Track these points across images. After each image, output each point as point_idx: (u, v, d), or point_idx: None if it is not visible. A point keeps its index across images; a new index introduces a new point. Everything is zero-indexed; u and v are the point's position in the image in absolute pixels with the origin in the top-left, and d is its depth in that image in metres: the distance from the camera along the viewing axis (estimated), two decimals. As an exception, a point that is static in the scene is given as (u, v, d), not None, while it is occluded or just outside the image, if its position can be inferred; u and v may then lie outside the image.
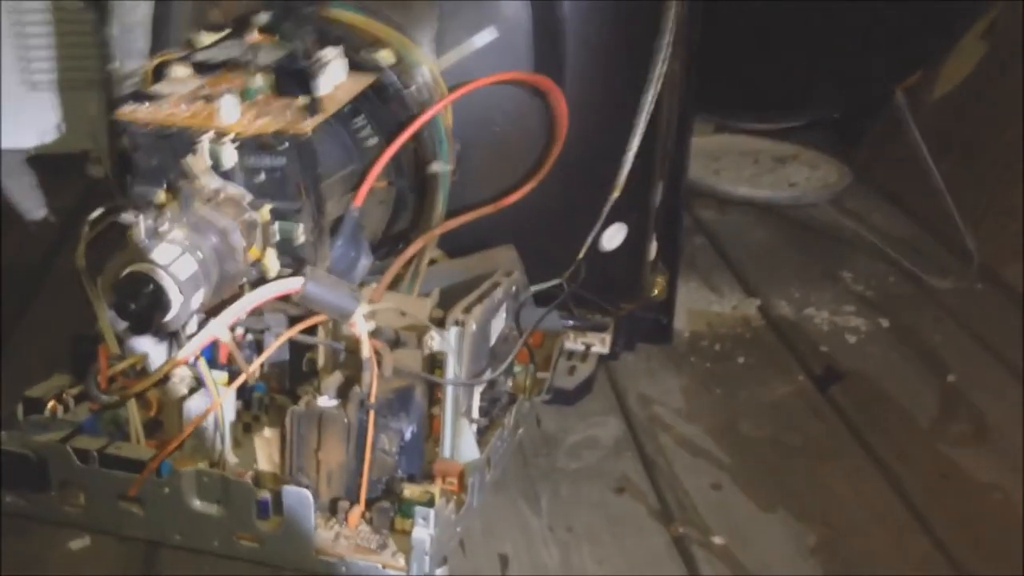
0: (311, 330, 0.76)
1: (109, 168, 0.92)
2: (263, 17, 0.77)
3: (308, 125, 0.68)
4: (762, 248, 1.36)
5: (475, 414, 0.80)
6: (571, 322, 0.94)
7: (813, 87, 1.43)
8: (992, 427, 0.96)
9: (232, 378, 0.75)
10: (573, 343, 0.99)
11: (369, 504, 0.73)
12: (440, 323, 0.76)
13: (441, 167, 0.79)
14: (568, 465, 0.89)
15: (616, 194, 0.90)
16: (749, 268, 1.29)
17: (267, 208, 0.71)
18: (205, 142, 0.69)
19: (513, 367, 0.89)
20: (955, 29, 1.42)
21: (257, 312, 0.77)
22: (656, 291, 1.04)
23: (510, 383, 0.89)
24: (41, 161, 1.33)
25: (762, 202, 1.46)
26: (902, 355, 1.09)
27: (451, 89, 0.81)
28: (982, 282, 1.24)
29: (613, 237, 0.93)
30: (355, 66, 0.78)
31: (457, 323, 0.76)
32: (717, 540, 0.80)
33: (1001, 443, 0.94)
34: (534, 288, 0.88)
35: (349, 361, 0.77)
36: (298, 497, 0.70)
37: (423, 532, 0.70)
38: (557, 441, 0.93)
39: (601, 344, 0.99)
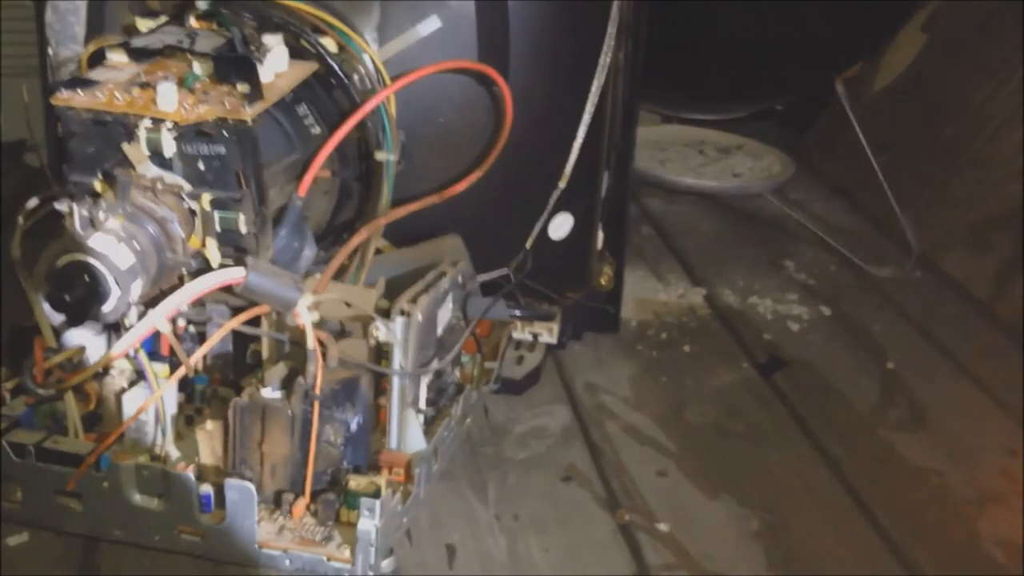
0: (255, 321, 0.75)
1: (46, 157, 0.90)
2: (202, 3, 0.75)
3: (249, 113, 0.68)
4: (708, 237, 1.37)
5: (422, 404, 0.80)
6: (518, 312, 0.94)
7: (755, 78, 1.45)
8: (930, 413, 0.98)
9: (174, 370, 0.74)
10: (521, 332, 0.99)
11: (314, 496, 0.73)
12: (386, 313, 0.76)
13: (386, 157, 0.79)
14: (515, 454, 0.89)
15: (563, 184, 0.90)
16: (695, 257, 1.30)
17: (207, 197, 0.70)
18: (142, 130, 0.68)
19: (460, 357, 0.88)
20: (894, 20, 1.45)
21: (199, 303, 0.76)
22: (603, 281, 1.04)
23: (457, 373, 0.89)
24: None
25: (707, 192, 1.48)
26: (843, 343, 1.11)
27: (394, 79, 0.80)
28: (921, 271, 1.26)
29: (560, 227, 0.94)
30: (296, 54, 0.77)
31: (403, 313, 0.75)
32: (662, 527, 0.81)
33: (938, 428, 0.96)
34: (481, 278, 0.88)
35: (294, 352, 0.76)
36: (241, 490, 0.70)
37: (368, 523, 0.70)
38: (505, 430, 0.93)
39: (549, 333, 0.99)
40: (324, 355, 0.71)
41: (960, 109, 1.34)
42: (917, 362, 1.07)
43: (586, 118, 0.89)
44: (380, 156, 0.79)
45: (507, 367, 0.97)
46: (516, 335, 0.99)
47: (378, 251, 0.84)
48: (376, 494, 0.71)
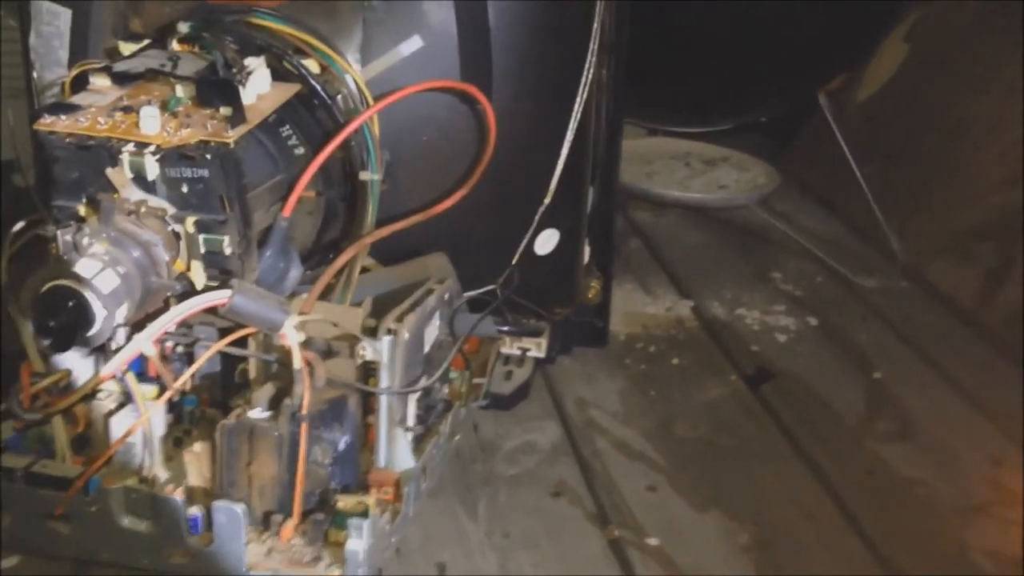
0: (243, 341, 0.75)
1: (32, 180, 0.90)
2: (184, 27, 0.76)
3: (231, 135, 0.68)
4: (695, 250, 1.37)
5: (410, 422, 0.80)
6: (506, 328, 0.94)
7: (738, 90, 1.46)
8: (916, 423, 0.99)
9: (162, 391, 0.73)
10: (509, 348, 0.99)
11: (303, 516, 0.72)
12: (372, 332, 0.76)
13: (370, 176, 0.79)
14: (505, 471, 0.89)
15: (548, 200, 0.91)
16: (682, 270, 1.30)
17: (191, 220, 0.70)
18: (125, 154, 0.68)
19: (449, 374, 0.89)
20: (876, 31, 1.46)
21: (186, 324, 0.76)
22: (591, 295, 1.05)
23: (446, 390, 0.89)
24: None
25: (694, 204, 1.48)
26: (830, 353, 1.12)
27: (377, 99, 0.81)
28: (907, 281, 1.27)
29: (546, 243, 0.94)
30: (279, 76, 0.77)
31: (389, 332, 0.75)
32: (652, 541, 0.81)
33: (925, 439, 0.96)
34: (468, 295, 0.88)
35: (281, 373, 0.76)
36: (229, 512, 0.70)
37: (357, 543, 0.70)
38: (494, 447, 0.93)
39: (537, 348, 0.99)
40: (311, 375, 0.71)
41: (942, 119, 1.35)
42: (903, 372, 1.08)
43: (570, 135, 0.90)
44: (364, 176, 0.79)
45: (496, 383, 0.97)
46: (505, 350, 0.99)
47: (364, 270, 0.84)
48: (364, 513, 0.71)
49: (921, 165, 1.36)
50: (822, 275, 1.30)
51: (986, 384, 1.04)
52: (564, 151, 0.90)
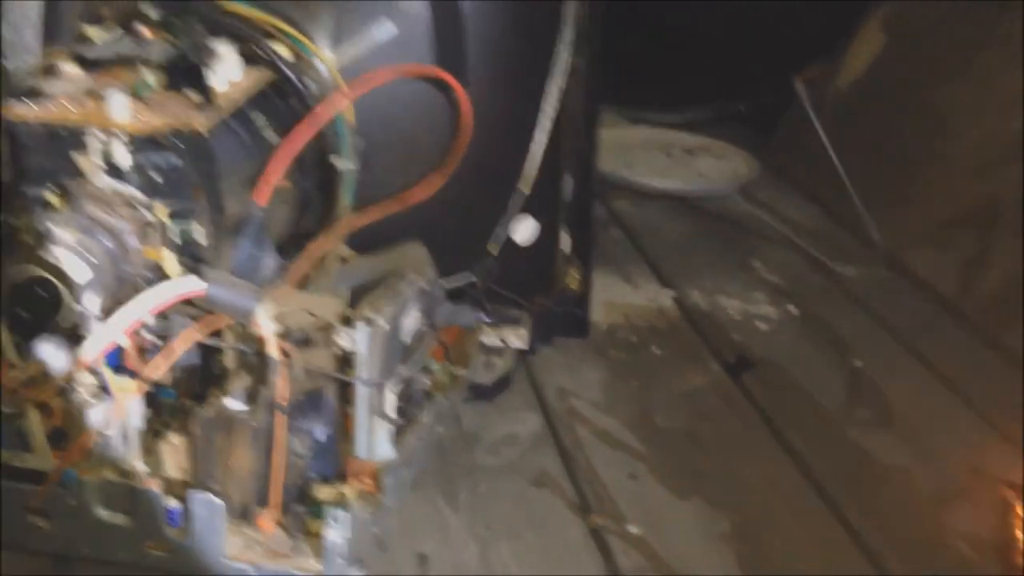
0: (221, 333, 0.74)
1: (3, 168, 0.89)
2: (154, 12, 0.75)
3: (204, 123, 0.67)
4: (675, 239, 1.37)
5: (390, 413, 0.79)
6: (485, 317, 0.94)
7: (715, 79, 1.45)
8: (896, 411, 0.99)
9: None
10: (490, 339, 0.99)
11: (282, 508, 0.72)
12: (350, 322, 0.75)
13: (344, 165, 0.78)
14: (487, 461, 0.89)
15: (525, 189, 0.90)
16: (663, 259, 1.30)
17: (163, 208, 0.69)
18: (95, 141, 0.67)
19: (430, 365, 0.88)
20: (852, 20, 1.46)
21: (162, 315, 0.75)
22: (571, 284, 1.04)
23: (427, 381, 0.88)
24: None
25: (675, 194, 1.48)
26: (811, 342, 1.12)
27: (350, 85, 0.80)
28: (887, 269, 1.27)
29: (524, 232, 0.94)
30: (251, 62, 0.76)
31: (367, 321, 0.75)
32: (633, 530, 0.81)
33: (904, 426, 0.96)
34: (446, 284, 0.88)
35: (259, 363, 0.75)
36: (207, 504, 0.69)
37: (336, 534, 0.69)
38: (476, 438, 0.92)
39: (519, 339, 0.99)
40: (288, 366, 0.71)
41: (920, 109, 1.36)
42: (883, 360, 1.08)
43: (545, 122, 0.89)
44: (339, 164, 0.78)
45: (477, 373, 0.97)
46: (486, 341, 0.99)
47: (344, 260, 0.83)
48: (344, 504, 0.70)
49: (900, 154, 1.36)
50: (803, 264, 1.30)
51: (965, 371, 1.05)
52: (539, 139, 0.90)
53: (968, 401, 1.00)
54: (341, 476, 0.76)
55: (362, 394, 0.76)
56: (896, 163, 1.36)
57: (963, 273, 1.18)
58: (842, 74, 1.51)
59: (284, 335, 0.73)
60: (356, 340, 0.73)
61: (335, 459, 0.76)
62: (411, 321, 0.82)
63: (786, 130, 1.57)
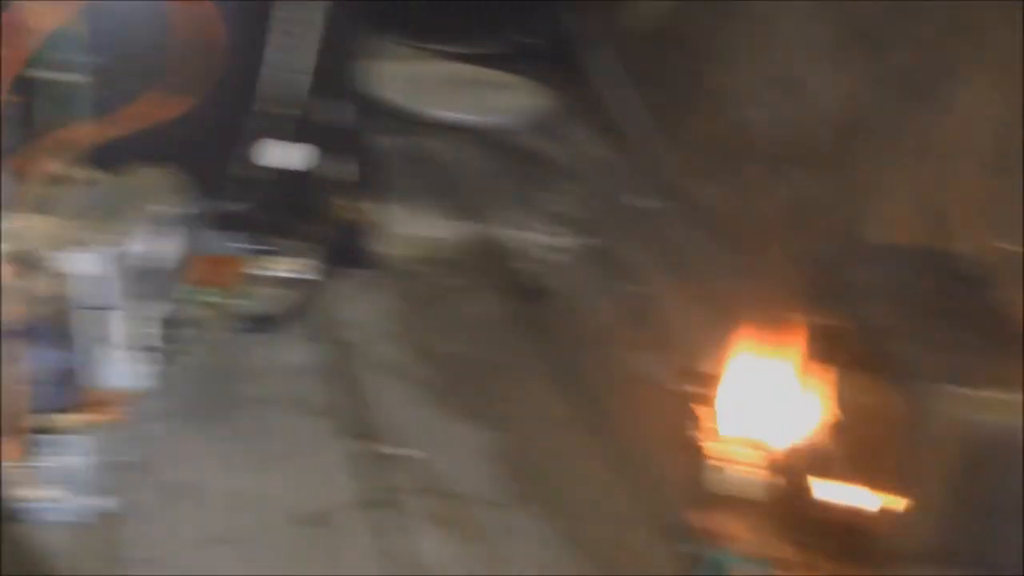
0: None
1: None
2: None
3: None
4: (470, 172, 1.36)
5: (131, 340, 0.76)
6: (260, 246, 0.91)
7: (503, 11, 1.43)
8: (673, 334, 1.01)
9: None
10: (274, 270, 0.96)
11: (20, 437, 0.68)
12: (88, 245, 0.72)
13: (70, 78, 0.74)
14: (265, 391, 0.87)
15: (273, 111, 0.87)
16: (458, 191, 1.29)
17: None
18: None
19: (200, 294, 0.86)
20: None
21: None
22: (352, 215, 1.03)
23: (199, 311, 0.86)
24: None
25: (469, 127, 1.46)
26: (601, 271, 1.14)
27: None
28: (675, 202, 1.30)
29: (286, 157, 0.91)
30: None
31: (106, 244, 0.71)
32: (411, 453, 0.81)
33: (680, 348, 0.99)
34: (202, 209, 0.85)
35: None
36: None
37: (75, 461, 0.67)
38: (256, 368, 0.90)
39: (305, 270, 0.97)
40: (19, 289, 0.67)
41: (706, 47, 1.38)
42: (666, 287, 1.10)
43: (310, 47, 0.86)
44: (64, 78, 0.73)
45: (261, 304, 0.95)
46: (269, 272, 0.96)
47: (93, 182, 0.79)
48: (84, 432, 0.68)
49: (692, 94, 1.39)
50: (596, 197, 1.31)
51: (741, 294, 1.08)
52: (298, 61, 0.86)
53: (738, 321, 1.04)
54: (83, 405, 0.73)
55: (105, 321, 0.73)
56: (687, 103, 1.39)
57: (743, 202, 1.22)
58: (634, 13, 1.52)
59: (15, 258, 0.69)
60: (83, 263, 0.70)
61: (75, 388, 0.73)
62: (157, 247, 0.79)
63: (580, 67, 1.57)
